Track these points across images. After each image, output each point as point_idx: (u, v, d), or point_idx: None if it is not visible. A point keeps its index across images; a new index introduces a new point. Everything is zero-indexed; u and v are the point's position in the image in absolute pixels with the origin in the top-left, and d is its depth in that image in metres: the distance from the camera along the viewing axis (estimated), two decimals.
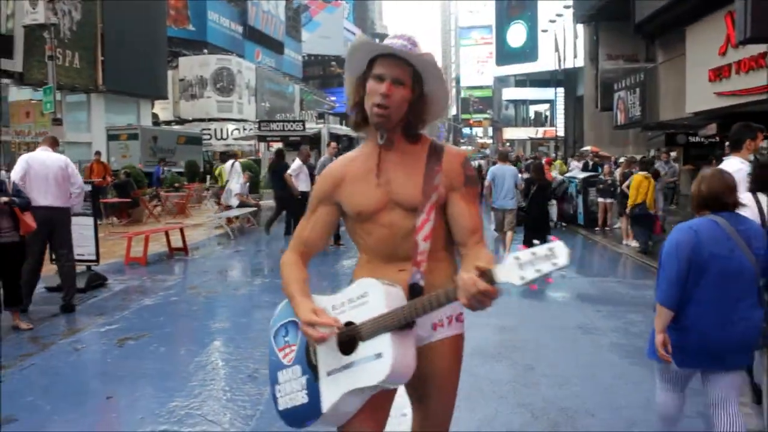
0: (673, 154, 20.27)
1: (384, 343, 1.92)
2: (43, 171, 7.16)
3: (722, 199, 3.28)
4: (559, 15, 36.42)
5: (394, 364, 1.91)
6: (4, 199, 6.26)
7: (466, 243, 2.13)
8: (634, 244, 12.31)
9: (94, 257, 8.73)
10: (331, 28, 66.33)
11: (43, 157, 7.44)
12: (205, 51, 42.76)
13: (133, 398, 4.80)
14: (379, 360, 1.92)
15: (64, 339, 6.36)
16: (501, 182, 11.16)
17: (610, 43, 26.54)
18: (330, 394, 2.03)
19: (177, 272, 10.35)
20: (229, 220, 15.14)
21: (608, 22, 25.85)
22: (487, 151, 45.67)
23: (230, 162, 16.23)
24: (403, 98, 2.11)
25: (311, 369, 2.09)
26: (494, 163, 16.38)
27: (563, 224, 16.21)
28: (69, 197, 7.43)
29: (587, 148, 25.31)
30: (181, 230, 11.96)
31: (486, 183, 11.61)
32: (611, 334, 6.53)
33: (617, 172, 15.02)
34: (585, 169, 19.70)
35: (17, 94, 24.11)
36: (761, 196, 3.93)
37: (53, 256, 7.91)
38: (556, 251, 1.73)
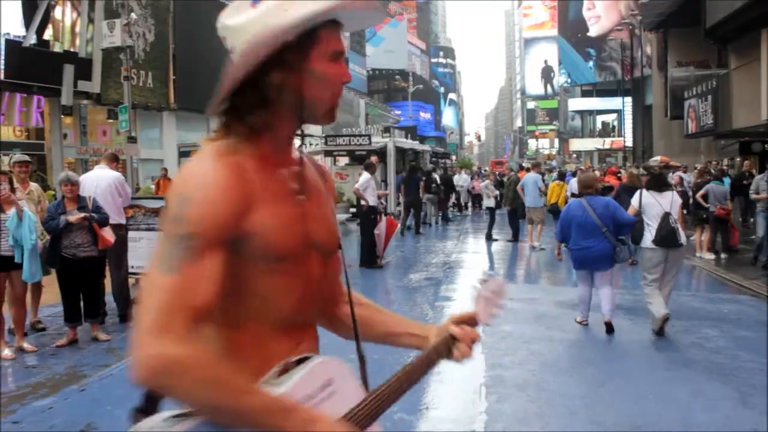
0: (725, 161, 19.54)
1: None
2: (92, 189, 7.27)
3: (584, 190, 7.19)
4: (625, 22, 35.74)
5: None
6: (83, 215, 6.53)
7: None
8: (708, 256, 11.97)
9: None
10: (395, 42, 66.85)
11: (95, 174, 7.71)
12: None
13: None
14: None
15: None
16: (527, 188, 14.35)
17: (680, 50, 25.87)
18: None
19: None
20: None
21: (678, 28, 25.24)
22: (553, 163, 45.07)
23: None
24: None
25: None
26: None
27: None
28: (121, 214, 7.61)
29: (657, 158, 24.74)
30: None
31: (518, 187, 14.92)
32: (686, 349, 6.36)
33: (690, 181, 14.64)
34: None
35: (94, 113, 25.15)
36: (644, 192, 7.01)
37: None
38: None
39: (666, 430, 4.34)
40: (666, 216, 6.60)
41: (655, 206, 6.74)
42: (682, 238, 6.70)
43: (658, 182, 7.05)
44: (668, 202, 6.76)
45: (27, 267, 6.26)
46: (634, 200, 7.01)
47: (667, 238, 6.56)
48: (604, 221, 6.71)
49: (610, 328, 6.82)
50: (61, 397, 5.18)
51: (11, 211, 6.19)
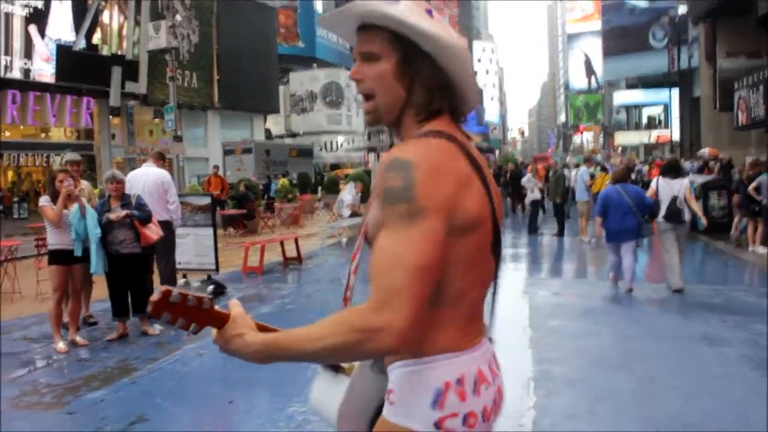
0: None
1: None
2: (139, 186, 7.50)
3: (619, 178, 8.92)
4: (671, 14, 34.95)
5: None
6: (124, 212, 6.64)
7: None
8: (762, 250, 11.65)
9: (213, 267, 9.09)
10: None
11: (141, 172, 7.89)
12: (314, 66, 43.92)
13: (253, 403, 4.97)
14: None
15: (188, 345, 6.65)
16: (579, 181, 15.13)
17: (730, 40, 25.20)
18: None
19: (291, 281, 10.63)
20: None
21: (727, 18, 24.60)
22: (598, 157, 44.20)
23: None
24: (382, 74, 1.48)
25: None
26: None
27: None
28: (168, 211, 7.78)
29: (705, 150, 24.12)
30: (296, 240, 12.29)
31: (573, 181, 16.46)
32: (739, 345, 6.18)
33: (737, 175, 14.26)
34: (701, 171, 18.72)
35: (141, 114, 25.63)
36: (660, 179, 8.79)
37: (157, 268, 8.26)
38: None
39: (719, 430, 4.22)
40: (674, 199, 8.43)
41: (666, 190, 8.56)
42: (686, 216, 8.52)
43: (671, 170, 8.95)
44: (678, 188, 8.51)
45: (94, 260, 6.49)
46: (653, 184, 8.97)
47: (672, 215, 8.44)
48: (634, 202, 8.40)
49: (630, 292, 8.52)
50: (113, 389, 5.29)
51: (74, 207, 6.37)
